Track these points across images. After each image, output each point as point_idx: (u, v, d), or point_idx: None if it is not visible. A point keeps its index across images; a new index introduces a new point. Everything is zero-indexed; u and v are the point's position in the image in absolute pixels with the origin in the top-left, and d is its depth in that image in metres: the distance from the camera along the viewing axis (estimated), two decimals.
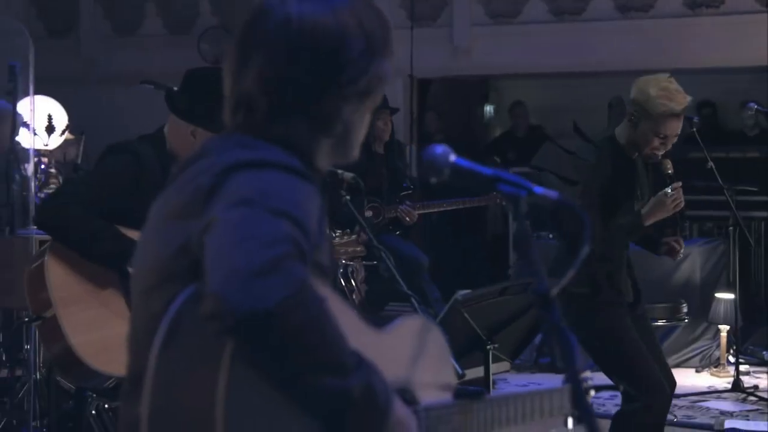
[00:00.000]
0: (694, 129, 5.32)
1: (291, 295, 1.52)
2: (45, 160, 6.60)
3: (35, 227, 4.89)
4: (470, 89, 11.43)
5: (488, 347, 3.22)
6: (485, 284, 3.60)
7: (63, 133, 7.15)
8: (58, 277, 3.36)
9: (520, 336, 3.41)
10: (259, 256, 1.53)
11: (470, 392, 1.96)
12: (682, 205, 4.14)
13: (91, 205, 3.39)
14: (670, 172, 4.22)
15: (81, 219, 3.36)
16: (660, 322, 6.23)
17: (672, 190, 4.11)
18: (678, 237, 4.47)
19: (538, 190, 1.85)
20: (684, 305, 5.94)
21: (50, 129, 6.69)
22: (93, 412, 3.53)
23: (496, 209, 9.73)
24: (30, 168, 5.54)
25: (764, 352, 7.45)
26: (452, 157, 1.84)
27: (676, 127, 4.16)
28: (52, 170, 7.04)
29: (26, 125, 5.79)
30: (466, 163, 1.86)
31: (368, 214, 6.43)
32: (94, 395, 3.52)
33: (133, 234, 3.42)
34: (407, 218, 6.56)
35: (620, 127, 4.29)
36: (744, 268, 7.71)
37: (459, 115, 11.23)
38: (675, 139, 4.20)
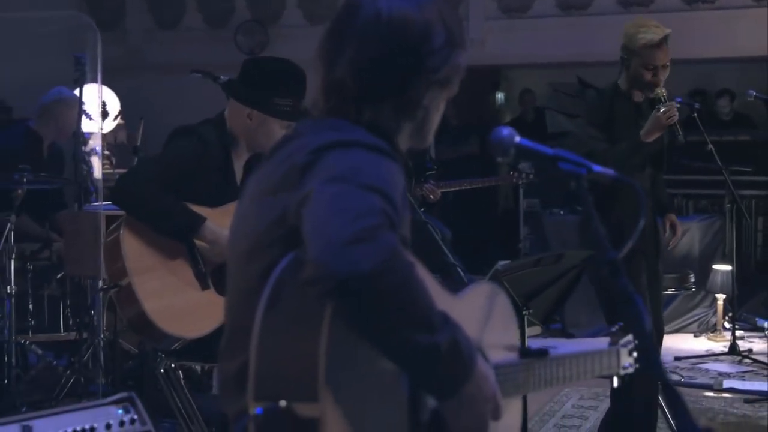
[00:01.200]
0: (695, 114, 5.31)
1: (384, 260, 1.53)
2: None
3: (106, 203, 4.93)
4: (483, 78, 11.39)
5: (524, 313, 3.22)
6: (498, 257, 3.61)
7: (116, 118, 7.19)
8: (133, 248, 3.36)
9: (551, 303, 3.40)
10: (353, 226, 1.54)
11: (535, 352, 1.97)
12: (676, 118, 4.16)
13: (162, 183, 3.38)
14: (664, 95, 4.26)
15: (153, 196, 3.37)
16: (669, 291, 6.25)
17: (664, 107, 4.14)
18: (677, 224, 4.51)
19: (597, 168, 1.86)
20: (691, 275, 5.95)
21: (104, 114, 6.72)
22: (162, 370, 3.55)
23: (507, 188, 9.73)
24: (95, 149, 5.57)
25: (757, 319, 7.47)
26: (517, 138, 1.84)
27: (661, 57, 4.19)
28: (106, 152, 7.09)
29: (83, 111, 5.81)
30: (529, 144, 1.86)
31: None
32: (163, 356, 3.54)
33: (199, 209, 3.44)
34: (431, 196, 6.55)
35: (621, 77, 4.34)
36: (738, 241, 7.72)
37: (472, 101, 11.18)
38: (666, 72, 4.23)
